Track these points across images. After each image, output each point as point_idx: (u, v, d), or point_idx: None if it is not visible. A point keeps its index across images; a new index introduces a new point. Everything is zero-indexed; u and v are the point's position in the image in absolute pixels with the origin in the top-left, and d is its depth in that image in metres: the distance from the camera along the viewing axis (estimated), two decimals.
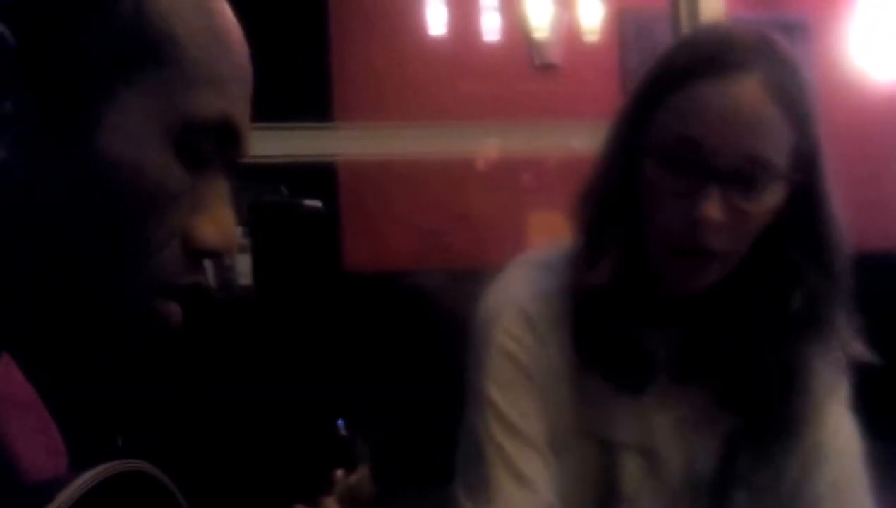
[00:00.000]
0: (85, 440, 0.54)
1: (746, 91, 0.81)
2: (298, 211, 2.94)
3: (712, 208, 0.80)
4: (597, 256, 0.88)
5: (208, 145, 0.49)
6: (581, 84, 3.57)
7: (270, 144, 2.30)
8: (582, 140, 3.06)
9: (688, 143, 0.82)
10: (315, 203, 3.06)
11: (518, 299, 0.92)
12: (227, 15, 0.51)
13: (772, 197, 0.83)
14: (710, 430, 0.92)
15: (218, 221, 0.50)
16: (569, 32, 3.66)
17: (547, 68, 3.67)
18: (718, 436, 0.92)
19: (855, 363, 0.92)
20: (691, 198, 0.81)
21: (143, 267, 0.48)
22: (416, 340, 3.17)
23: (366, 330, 3.25)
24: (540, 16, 3.62)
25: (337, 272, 3.34)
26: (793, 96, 0.83)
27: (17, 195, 0.45)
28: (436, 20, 3.69)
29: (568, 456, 0.92)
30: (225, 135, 0.50)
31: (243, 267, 2.63)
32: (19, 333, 0.45)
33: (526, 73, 3.73)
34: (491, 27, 3.69)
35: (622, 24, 3.68)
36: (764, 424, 0.90)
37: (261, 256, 2.65)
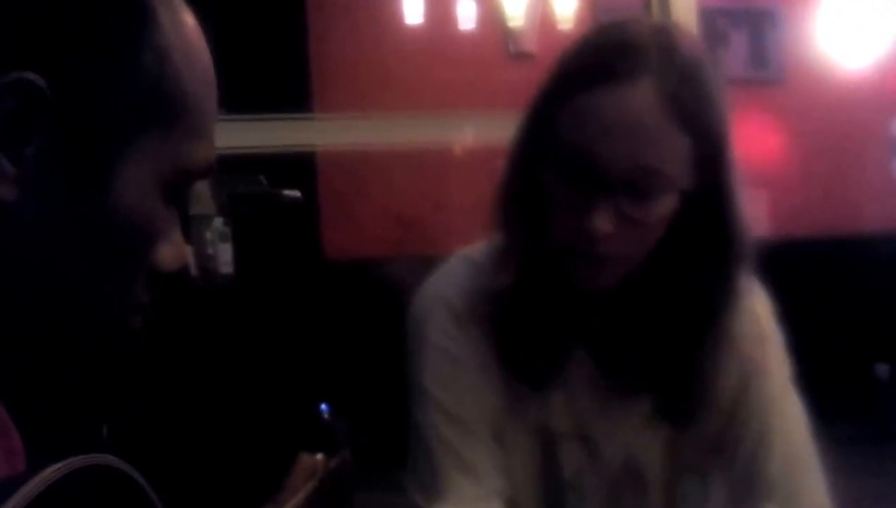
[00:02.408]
0: (70, 430, 0.59)
1: (636, 100, 0.79)
2: (278, 201, 2.95)
3: (601, 219, 0.80)
4: (502, 260, 0.90)
5: (189, 188, 0.55)
6: None
7: (249, 135, 2.31)
8: None
9: (578, 154, 0.81)
10: (294, 193, 3.07)
11: (447, 296, 0.94)
12: (207, 50, 0.55)
13: (664, 204, 0.83)
14: (643, 415, 0.94)
15: (175, 246, 0.55)
16: (544, 21, 3.69)
17: (522, 57, 3.70)
18: (653, 421, 0.94)
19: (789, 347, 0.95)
20: (583, 207, 0.81)
21: (130, 292, 0.53)
22: (393, 325, 3.19)
23: (345, 315, 3.28)
24: (515, 4, 3.65)
25: (317, 260, 3.36)
26: (689, 102, 0.81)
27: (23, 232, 0.48)
28: (412, 9, 3.71)
29: (510, 446, 0.94)
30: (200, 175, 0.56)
31: (225, 256, 2.64)
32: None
33: (501, 61, 3.75)
34: (466, 16, 3.71)
35: (596, 13, 3.71)
36: (671, 409, 0.92)
37: (242, 246, 2.66)
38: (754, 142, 3.62)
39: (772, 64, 3.99)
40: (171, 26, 0.52)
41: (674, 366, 0.90)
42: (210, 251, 2.64)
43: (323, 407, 0.86)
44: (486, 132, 3.15)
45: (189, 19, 0.54)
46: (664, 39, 0.83)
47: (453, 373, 0.92)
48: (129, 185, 0.50)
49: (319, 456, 0.82)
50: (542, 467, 0.95)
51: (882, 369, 3.69)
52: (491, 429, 0.93)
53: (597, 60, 0.82)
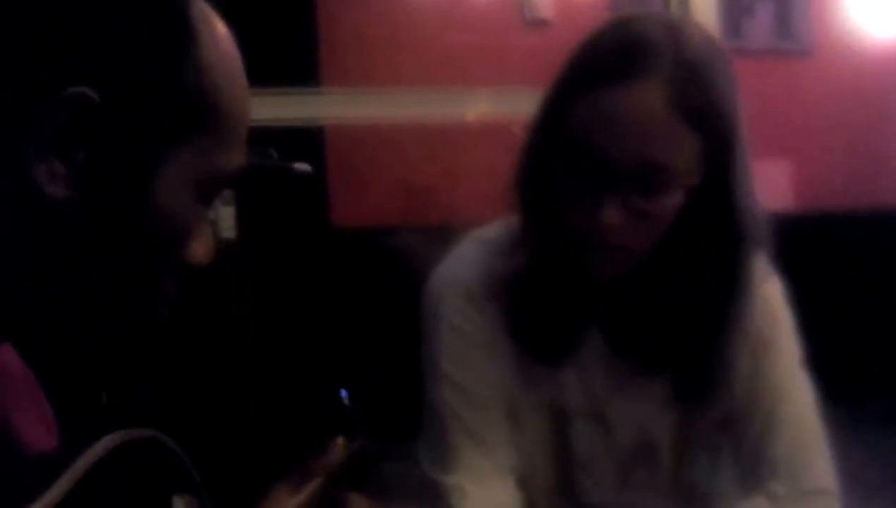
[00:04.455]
0: (70, 398, 0.60)
1: (645, 98, 0.82)
2: (289, 174, 2.91)
3: (610, 213, 0.84)
4: (515, 244, 0.94)
5: (222, 190, 0.60)
6: (572, 40, 3.53)
7: (258, 109, 2.26)
8: None
9: (588, 149, 0.84)
10: (305, 166, 3.03)
11: (463, 277, 0.97)
12: (240, 62, 0.60)
13: (672, 198, 0.86)
14: (655, 396, 0.97)
15: (204, 241, 0.60)
16: None
17: (538, 24, 3.62)
18: (665, 402, 0.97)
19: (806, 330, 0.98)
20: (592, 200, 0.85)
21: (162, 285, 0.58)
22: (399, 294, 3.18)
23: (354, 283, 3.26)
24: None
25: (325, 230, 3.33)
26: (698, 100, 0.83)
27: (71, 227, 0.53)
28: None
29: (524, 424, 0.97)
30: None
31: (227, 221, 2.59)
32: (30, 328, 0.54)
33: (516, 28, 3.67)
34: None
35: None
36: (687, 390, 0.95)
37: (248, 219, 2.62)
38: (780, 116, 3.54)
39: (799, 35, 3.88)
40: (210, 42, 0.57)
41: (688, 349, 0.92)
42: (212, 215, 2.60)
43: (342, 392, 0.86)
44: (497, 105, 3.09)
45: (225, 33, 0.59)
46: (674, 37, 0.85)
47: (468, 352, 0.96)
48: (167, 189, 0.55)
49: (340, 440, 0.83)
50: (555, 445, 0.98)
51: None
52: (504, 407, 0.96)
53: (607, 58, 0.86)
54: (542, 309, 0.93)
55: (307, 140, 3.15)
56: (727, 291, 0.91)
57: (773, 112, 3.38)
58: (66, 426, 0.52)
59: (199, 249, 0.59)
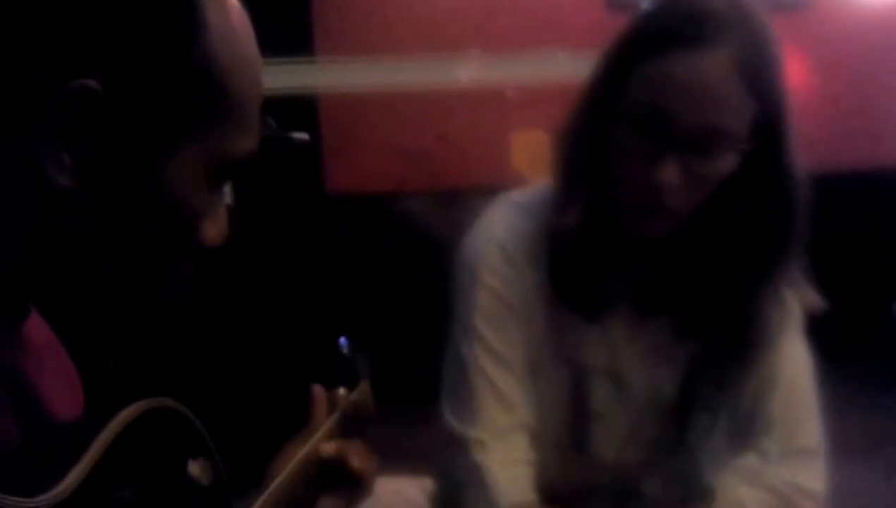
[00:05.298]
0: (78, 363, 0.63)
1: (716, 66, 0.86)
2: (287, 144, 2.90)
3: (669, 173, 0.87)
4: (568, 201, 0.96)
5: (233, 175, 0.58)
6: (563, 4, 3.50)
7: None
8: (563, 66, 3.01)
9: (655, 112, 0.87)
10: (303, 135, 3.02)
11: (500, 239, 1.01)
12: (253, 43, 0.58)
13: (726, 162, 0.90)
14: (673, 357, 1.01)
15: (219, 223, 0.59)
16: None
17: None
18: (681, 363, 1.01)
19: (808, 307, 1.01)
20: (652, 160, 0.88)
21: (175, 269, 0.58)
22: (399, 259, 3.21)
23: (349, 250, 3.29)
24: None
25: (320, 197, 3.34)
26: (759, 71, 0.88)
27: (80, 217, 0.53)
28: None
29: (544, 380, 1.01)
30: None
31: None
32: (57, 302, 0.57)
33: None
34: None
35: None
36: (721, 352, 0.98)
37: (245, 188, 2.62)
38: None
39: None
40: (219, 24, 0.54)
41: (727, 313, 0.96)
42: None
43: (342, 340, 0.88)
44: (488, 69, 3.08)
45: (236, 11, 0.57)
46: (740, 9, 0.90)
47: (501, 313, 1.00)
48: (176, 176, 0.54)
49: (341, 390, 0.84)
50: (572, 399, 1.02)
51: None
52: (528, 365, 1.00)
53: (678, 25, 0.88)
54: (585, 266, 0.96)
55: (301, 109, 3.14)
56: (773, 253, 0.94)
57: None
58: (88, 392, 0.53)
59: (212, 231, 0.59)
